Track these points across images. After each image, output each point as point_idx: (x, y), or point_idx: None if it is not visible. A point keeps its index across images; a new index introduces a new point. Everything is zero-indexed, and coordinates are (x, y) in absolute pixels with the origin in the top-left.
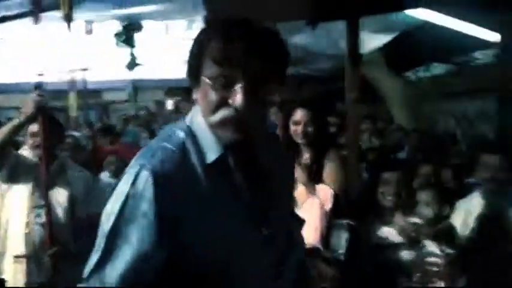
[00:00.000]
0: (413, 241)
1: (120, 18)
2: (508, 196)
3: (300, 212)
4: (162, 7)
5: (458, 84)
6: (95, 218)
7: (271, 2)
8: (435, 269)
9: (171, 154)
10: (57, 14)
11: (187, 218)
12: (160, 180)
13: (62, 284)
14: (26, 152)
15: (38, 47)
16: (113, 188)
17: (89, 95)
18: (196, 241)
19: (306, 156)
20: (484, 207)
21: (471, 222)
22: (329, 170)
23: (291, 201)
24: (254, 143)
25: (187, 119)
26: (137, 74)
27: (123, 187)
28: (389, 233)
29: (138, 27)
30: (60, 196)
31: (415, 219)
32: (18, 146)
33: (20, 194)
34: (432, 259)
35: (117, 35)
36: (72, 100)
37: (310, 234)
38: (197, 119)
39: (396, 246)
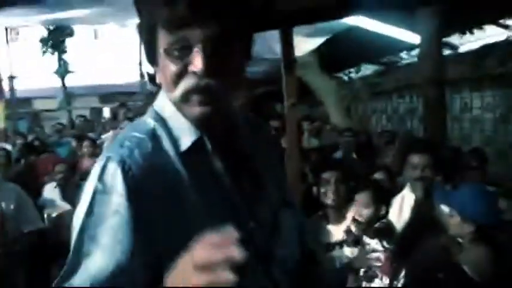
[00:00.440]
0: (356, 239)
1: (47, 23)
2: (434, 190)
3: None
4: (93, 11)
5: (387, 83)
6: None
7: None
8: (378, 264)
9: (140, 142)
10: None
11: (164, 212)
12: (130, 171)
13: None
14: None
15: None
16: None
17: (18, 104)
18: (175, 237)
19: None
20: (414, 202)
21: (404, 217)
22: None
23: (283, 189)
24: (231, 124)
25: (156, 104)
26: (69, 80)
27: (89, 184)
28: (333, 231)
29: (70, 33)
30: None
31: (357, 218)
32: None
33: None
34: (374, 255)
35: (42, 40)
36: (1, 110)
37: None
38: (164, 102)
39: (340, 244)
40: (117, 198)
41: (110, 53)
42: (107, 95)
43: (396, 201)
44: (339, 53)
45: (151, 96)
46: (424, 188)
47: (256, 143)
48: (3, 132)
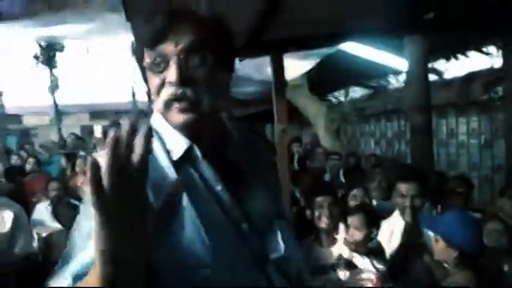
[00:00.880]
0: (347, 262)
1: (39, 39)
2: (421, 215)
3: None
4: (84, 27)
5: (376, 106)
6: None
7: None
8: (369, 284)
9: None
10: None
11: None
12: None
13: None
14: None
15: None
16: None
17: (8, 120)
18: (169, 240)
19: None
20: (403, 227)
21: (394, 242)
22: None
23: (277, 203)
24: (220, 133)
25: (151, 119)
26: (60, 97)
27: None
28: (325, 254)
29: (60, 48)
30: None
31: (350, 240)
32: None
33: None
34: (365, 275)
35: (35, 56)
36: None
37: None
38: (156, 115)
39: (333, 267)
40: None
41: (102, 70)
42: (98, 112)
43: (386, 226)
44: (328, 76)
45: (143, 115)
46: (413, 215)
47: (250, 155)
48: None
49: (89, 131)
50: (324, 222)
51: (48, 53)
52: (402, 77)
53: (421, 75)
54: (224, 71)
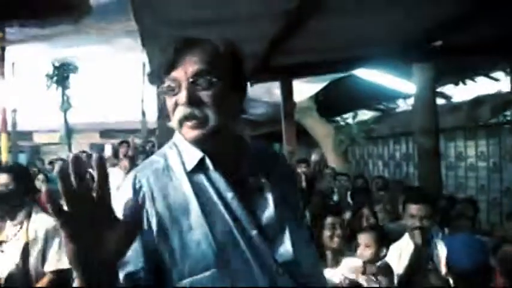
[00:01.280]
0: (354, 282)
1: (53, 60)
2: (431, 236)
3: None
4: (98, 49)
5: (384, 129)
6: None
7: None
8: None
9: (154, 162)
10: None
11: (164, 217)
12: (137, 181)
13: None
14: None
15: None
16: None
17: (19, 137)
18: (177, 242)
19: None
20: (413, 249)
21: (403, 263)
22: None
23: (295, 210)
24: (235, 146)
25: (174, 135)
26: (71, 115)
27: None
28: (331, 274)
29: (74, 69)
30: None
31: (359, 260)
32: None
33: None
34: None
35: (48, 76)
36: (3, 142)
37: None
38: (177, 133)
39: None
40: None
41: (112, 90)
42: (108, 131)
43: (395, 248)
44: (336, 99)
45: (152, 134)
46: (422, 236)
47: (267, 166)
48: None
49: (98, 149)
50: (335, 243)
51: (62, 74)
52: (410, 101)
53: (429, 99)
54: (232, 92)
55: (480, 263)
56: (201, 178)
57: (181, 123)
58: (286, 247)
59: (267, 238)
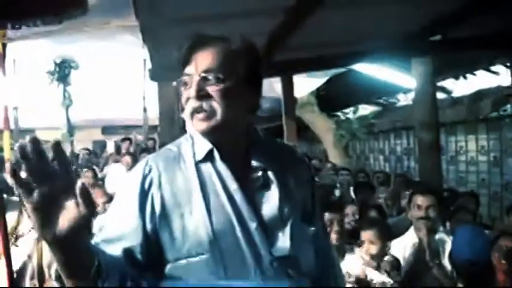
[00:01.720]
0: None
1: (55, 56)
2: (436, 231)
3: None
4: (99, 44)
5: (384, 123)
6: None
7: None
8: None
9: (168, 151)
10: None
11: (169, 202)
12: (147, 166)
13: None
14: None
15: None
16: None
17: (21, 134)
18: (177, 226)
19: None
20: (418, 241)
21: (408, 256)
22: None
23: (306, 208)
24: (243, 139)
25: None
26: (72, 112)
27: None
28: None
29: (75, 66)
30: None
31: (365, 254)
32: None
33: None
34: None
35: (49, 72)
36: (6, 140)
37: None
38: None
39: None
40: (133, 183)
41: (114, 86)
42: (110, 127)
43: (399, 243)
44: (337, 94)
45: (154, 130)
46: (427, 228)
47: (277, 160)
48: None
49: (101, 145)
50: (334, 239)
51: (63, 71)
52: (411, 95)
53: (429, 93)
54: (245, 88)
55: (483, 254)
56: (209, 168)
57: (191, 115)
58: (284, 242)
59: (266, 232)
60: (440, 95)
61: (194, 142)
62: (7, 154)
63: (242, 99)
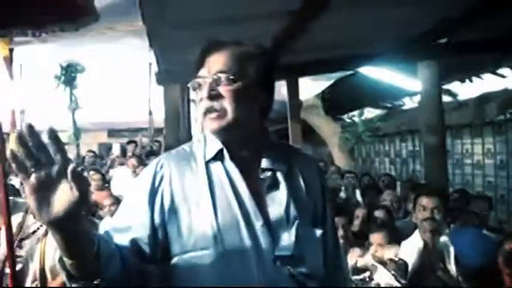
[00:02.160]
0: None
1: (61, 60)
2: (441, 233)
3: None
4: (105, 48)
5: (390, 127)
6: None
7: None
8: None
9: (181, 149)
10: None
11: (177, 198)
12: (160, 163)
13: None
14: None
15: None
16: None
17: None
18: (184, 220)
19: None
20: (423, 244)
21: (413, 259)
22: None
23: (312, 211)
24: (253, 141)
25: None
26: (78, 115)
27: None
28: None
29: (81, 69)
30: None
31: (375, 256)
32: None
33: None
34: None
35: (56, 76)
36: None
37: None
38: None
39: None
40: (146, 177)
41: (120, 90)
42: (115, 130)
43: (405, 246)
44: (342, 97)
45: (159, 133)
46: (432, 229)
47: (287, 161)
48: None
49: (106, 148)
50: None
51: (70, 74)
52: (417, 98)
53: (435, 96)
54: (257, 90)
55: (488, 257)
56: (218, 167)
57: (204, 115)
58: (288, 242)
59: (271, 231)
60: (446, 98)
61: (206, 142)
62: None
63: (254, 101)
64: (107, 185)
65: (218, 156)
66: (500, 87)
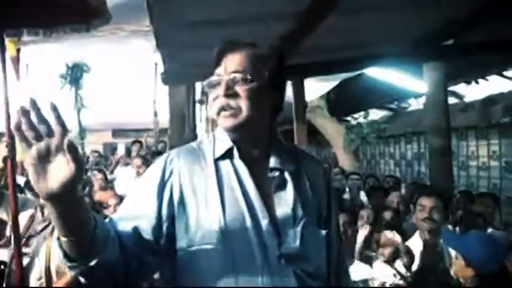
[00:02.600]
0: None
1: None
2: (443, 233)
3: None
4: (111, 48)
5: (395, 128)
6: None
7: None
8: None
9: (190, 147)
10: None
11: (186, 193)
12: (169, 157)
13: None
14: None
15: None
16: None
17: None
18: (192, 214)
19: None
20: (423, 244)
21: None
22: None
23: (318, 211)
24: (262, 140)
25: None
26: (83, 115)
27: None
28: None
29: (86, 69)
30: None
31: (380, 255)
32: None
33: None
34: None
35: (61, 76)
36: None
37: None
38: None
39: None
40: (155, 170)
41: (125, 90)
42: (120, 130)
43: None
44: (347, 98)
45: (164, 134)
46: (430, 229)
47: (295, 161)
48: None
49: (111, 148)
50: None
51: (75, 74)
52: (422, 100)
53: (441, 98)
54: (269, 91)
55: (495, 260)
56: (227, 165)
57: (219, 112)
58: (294, 241)
59: (277, 229)
60: (451, 100)
61: (215, 141)
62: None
63: (267, 100)
64: (110, 184)
65: (227, 154)
66: (506, 89)
